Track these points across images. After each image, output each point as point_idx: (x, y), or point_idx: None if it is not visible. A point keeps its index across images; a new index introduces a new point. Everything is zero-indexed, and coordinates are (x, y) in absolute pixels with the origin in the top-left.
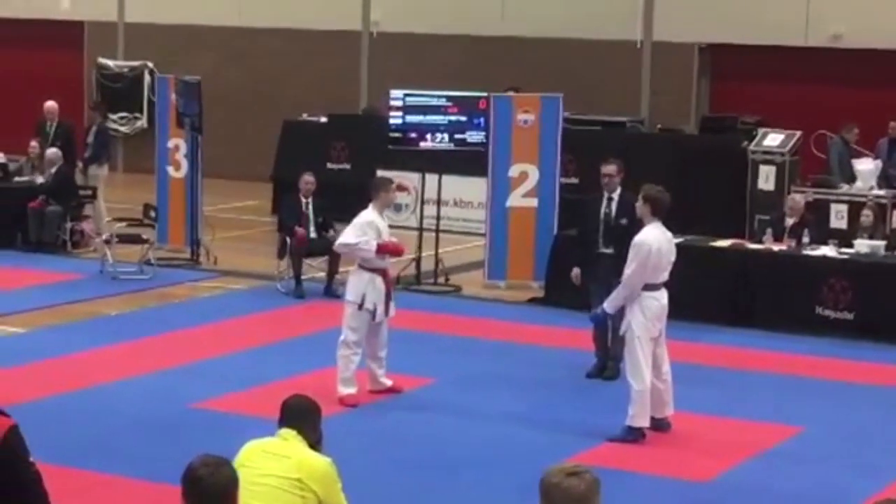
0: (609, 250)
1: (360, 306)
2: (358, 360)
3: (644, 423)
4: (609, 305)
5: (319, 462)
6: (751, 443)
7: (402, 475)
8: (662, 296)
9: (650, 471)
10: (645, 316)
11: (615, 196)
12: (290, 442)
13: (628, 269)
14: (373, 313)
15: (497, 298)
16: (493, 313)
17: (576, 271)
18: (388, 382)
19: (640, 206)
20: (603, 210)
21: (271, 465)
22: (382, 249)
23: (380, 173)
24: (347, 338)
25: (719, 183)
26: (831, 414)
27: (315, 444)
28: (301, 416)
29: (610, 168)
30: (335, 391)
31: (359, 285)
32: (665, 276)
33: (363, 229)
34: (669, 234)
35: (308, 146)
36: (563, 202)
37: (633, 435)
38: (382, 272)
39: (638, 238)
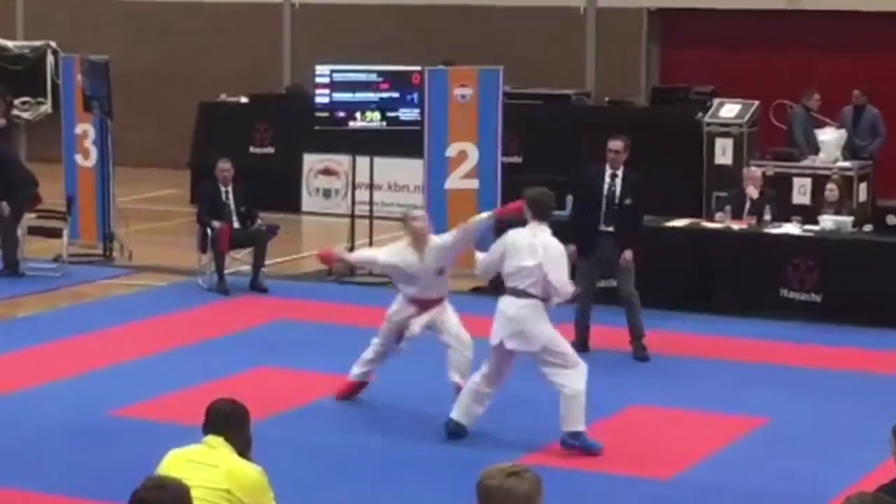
0: (610, 228)
1: None
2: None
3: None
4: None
5: (249, 471)
6: (713, 437)
7: (339, 483)
8: (509, 305)
9: (606, 469)
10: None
11: (619, 173)
12: (216, 450)
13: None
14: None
15: None
16: None
17: (571, 248)
18: None
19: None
20: (607, 187)
21: (197, 474)
22: None
23: (306, 156)
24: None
25: (673, 158)
26: (798, 404)
27: (243, 451)
28: (227, 422)
29: (617, 143)
30: (271, 392)
31: None
32: (517, 283)
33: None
34: (545, 241)
35: (228, 129)
36: (506, 183)
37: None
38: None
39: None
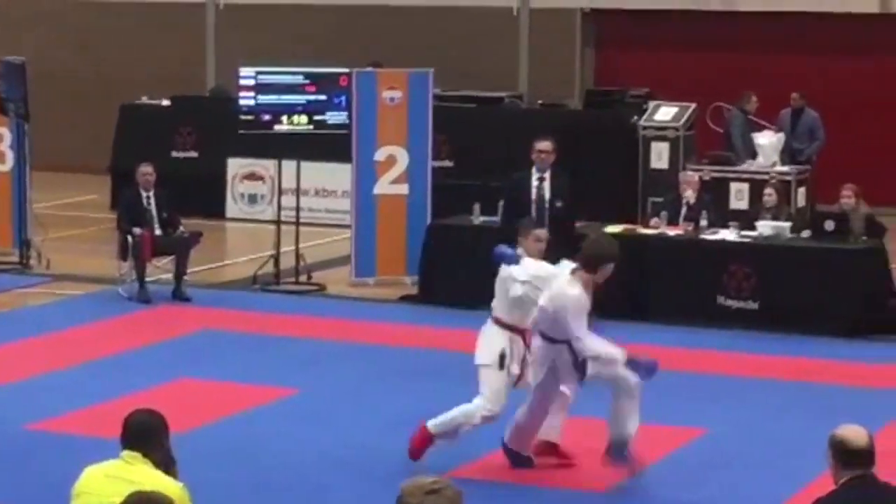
0: None
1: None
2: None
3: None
4: None
5: (170, 488)
6: (650, 447)
7: (264, 497)
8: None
9: (543, 483)
10: None
11: (547, 175)
12: (135, 466)
13: None
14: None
15: (366, 297)
16: (361, 314)
17: None
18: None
19: None
20: (535, 191)
21: (117, 489)
22: None
23: (230, 161)
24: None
25: (608, 162)
26: (735, 414)
27: (164, 465)
28: (145, 436)
29: (545, 144)
30: (195, 404)
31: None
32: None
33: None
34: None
35: (149, 133)
36: (437, 188)
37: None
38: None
39: None
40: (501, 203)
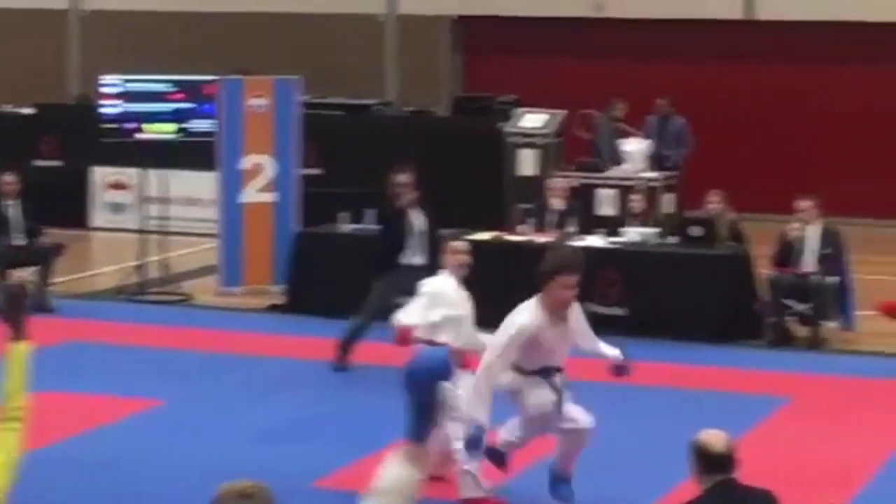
0: (419, 261)
1: None
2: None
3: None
4: None
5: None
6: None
7: None
8: None
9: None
10: None
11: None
12: None
13: None
14: None
15: (233, 307)
16: (229, 324)
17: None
18: None
19: None
20: (411, 219)
21: None
22: None
23: (95, 169)
24: None
25: (476, 169)
26: (603, 420)
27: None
28: None
29: (403, 177)
30: (60, 418)
31: None
32: None
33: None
34: None
35: (12, 141)
36: (306, 196)
37: None
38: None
39: None
40: (370, 211)
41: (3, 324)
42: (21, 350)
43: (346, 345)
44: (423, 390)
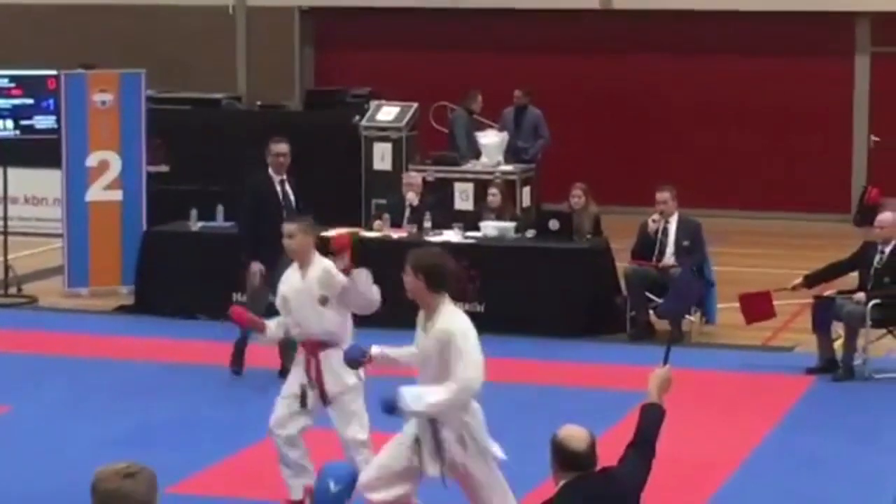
0: None
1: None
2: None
3: None
4: None
5: None
6: None
7: None
8: None
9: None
10: None
11: (285, 178)
12: None
13: None
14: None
15: (80, 308)
16: (76, 326)
17: (256, 267)
18: None
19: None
20: (280, 194)
21: None
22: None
23: None
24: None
25: (330, 164)
26: None
27: None
28: None
29: (283, 147)
30: None
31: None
32: None
33: None
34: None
35: None
36: (154, 194)
37: None
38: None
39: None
40: (220, 207)
41: None
42: None
43: (239, 346)
44: None
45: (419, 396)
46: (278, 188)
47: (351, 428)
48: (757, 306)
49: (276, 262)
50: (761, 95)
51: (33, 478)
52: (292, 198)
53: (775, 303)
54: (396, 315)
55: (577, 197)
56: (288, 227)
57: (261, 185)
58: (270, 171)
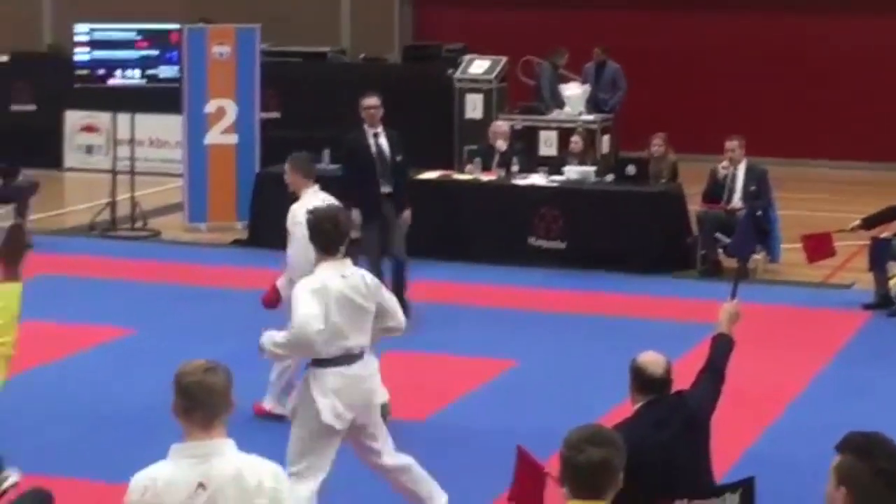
0: (387, 189)
1: None
2: None
3: None
4: None
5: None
6: (465, 379)
7: (101, 431)
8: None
9: None
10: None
11: (380, 131)
12: None
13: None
14: None
15: (199, 242)
16: (195, 257)
17: (356, 213)
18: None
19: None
20: (374, 147)
21: None
22: None
23: (68, 113)
24: None
25: (425, 113)
26: (544, 346)
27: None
28: None
29: (373, 100)
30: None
31: None
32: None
33: None
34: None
35: None
36: (266, 138)
37: None
38: None
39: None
40: (326, 151)
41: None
42: (14, 289)
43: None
44: None
45: (270, 337)
46: (371, 141)
47: None
48: (818, 246)
49: (375, 211)
50: (826, 50)
51: (154, 391)
52: (386, 150)
53: (835, 243)
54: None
55: (658, 145)
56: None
57: (354, 140)
58: (365, 125)
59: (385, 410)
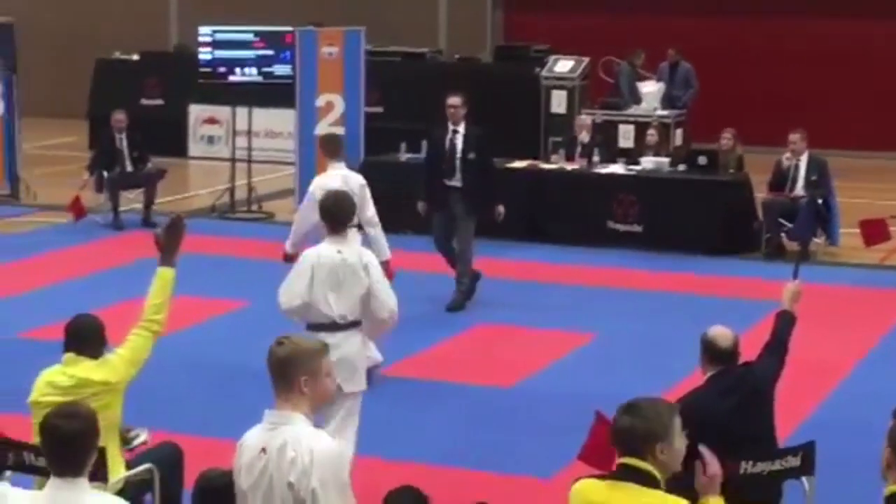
0: (455, 183)
1: None
2: None
3: None
4: None
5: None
6: (549, 350)
7: (227, 397)
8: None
9: (456, 379)
10: None
11: (461, 129)
12: (69, 366)
13: None
14: None
15: None
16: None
17: (421, 204)
18: None
19: None
20: (448, 143)
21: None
22: None
23: (192, 107)
24: None
25: (514, 108)
26: (621, 321)
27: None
28: (82, 339)
29: (455, 99)
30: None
31: None
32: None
33: None
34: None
35: (121, 83)
36: (369, 130)
37: None
38: None
39: None
40: (424, 142)
41: (157, 249)
42: (170, 275)
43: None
44: None
45: None
46: (449, 137)
47: None
48: (875, 231)
49: (438, 202)
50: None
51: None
52: (459, 147)
53: (891, 228)
54: (553, 232)
55: (727, 139)
56: None
57: (435, 135)
58: (449, 122)
59: (376, 372)
